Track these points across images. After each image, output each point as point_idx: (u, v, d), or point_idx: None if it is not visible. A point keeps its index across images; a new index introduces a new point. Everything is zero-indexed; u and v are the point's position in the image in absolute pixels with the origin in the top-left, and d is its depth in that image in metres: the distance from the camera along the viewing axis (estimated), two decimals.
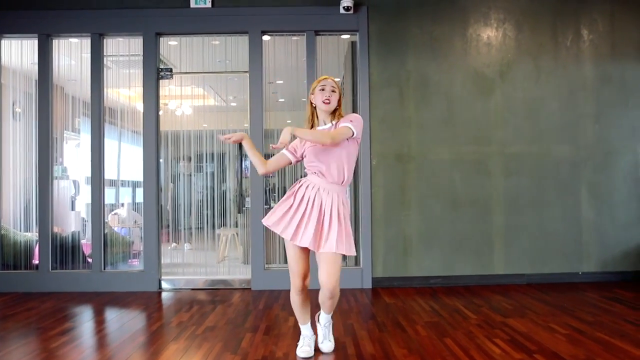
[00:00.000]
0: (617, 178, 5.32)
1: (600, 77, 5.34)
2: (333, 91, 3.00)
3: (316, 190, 2.94)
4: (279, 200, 5.56)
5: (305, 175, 3.06)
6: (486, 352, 3.04)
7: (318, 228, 2.88)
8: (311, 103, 3.07)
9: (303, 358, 3.01)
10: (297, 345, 3.14)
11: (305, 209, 2.91)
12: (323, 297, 2.98)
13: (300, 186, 2.99)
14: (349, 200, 3.09)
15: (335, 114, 3.03)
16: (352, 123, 2.91)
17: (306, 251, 2.99)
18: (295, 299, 3.05)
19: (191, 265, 5.55)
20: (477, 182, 5.25)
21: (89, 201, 6.25)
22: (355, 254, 2.96)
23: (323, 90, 3.00)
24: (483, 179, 5.25)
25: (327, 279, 2.86)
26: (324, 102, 2.97)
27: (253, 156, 3.06)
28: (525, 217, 5.25)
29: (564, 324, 3.64)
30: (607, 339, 3.28)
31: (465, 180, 5.24)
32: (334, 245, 2.82)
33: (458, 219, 5.22)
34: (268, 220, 2.98)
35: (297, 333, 3.46)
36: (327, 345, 3.11)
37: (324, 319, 3.13)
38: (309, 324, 3.15)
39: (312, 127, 3.08)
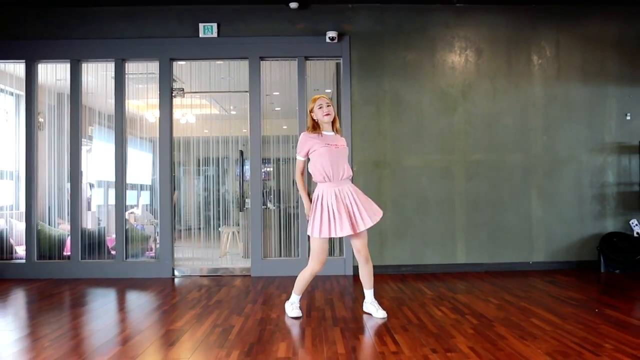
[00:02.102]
0: (562, 182, 6.25)
1: (547, 96, 6.28)
2: (328, 105, 4.00)
3: (331, 192, 3.89)
4: (274, 201, 6.53)
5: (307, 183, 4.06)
6: (430, 314, 3.99)
7: (349, 216, 3.85)
8: (312, 118, 4.03)
9: (295, 317, 3.98)
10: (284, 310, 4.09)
11: (337, 208, 3.85)
12: (361, 266, 3.98)
13: (322, 195, 3.90)
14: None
15: (334, 123, 4.04)
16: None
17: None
18: (307, 278, 3.97)
19: (199, 259, 6.47)
20: (443, 185, 6.18)
21: (101, 202, 7.19)
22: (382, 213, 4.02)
23: (321, 107, 3.98)
24: (448, 182, 6.19)
25: (364, 247, 3.95)
26: (325, 116, 3.97)
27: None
28: (484, 214, 6.19)
29: (500, 298, 4.58)
30: (527, 306, 4.22)
31: (432, 184, 6.18)
32: (369, 220, 3.85)
33: (426, 216, 6.15)
34: (323, 234, 3.83)
35: None
36: (382, 312, 3.98)
37: (369, 296, 4.05)
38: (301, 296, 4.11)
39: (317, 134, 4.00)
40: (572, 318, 3.81)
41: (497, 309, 4.16)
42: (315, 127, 4.01)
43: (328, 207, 3.86)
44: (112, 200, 6.36)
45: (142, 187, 7.56)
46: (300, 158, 4.02)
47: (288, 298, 4.68)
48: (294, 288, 4.05)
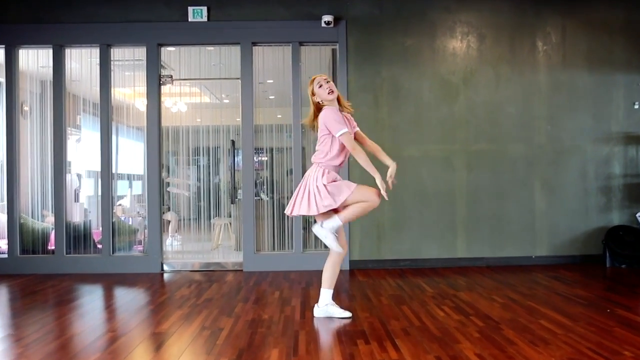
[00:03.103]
0: (567, 174, 6.02)
1: (552, 83, 6.02)
2: (328, 81, 3.71)
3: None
4: (268, 192, 6.27)
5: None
6: (432, 315, 3.76)
7: None
8: (315, 102, 3.73)
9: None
10: (275, 310, 3.84)
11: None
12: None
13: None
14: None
15: (339, 101, 3.77)
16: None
17: None
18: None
19: (190, 252, 6.23)
20: (443, 177, 5.94)
21: (91, 193, 6.92)
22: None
23: (321, 86, 3.69)
24: (448, 173, 5.94)
25: None
26: (329, 94, 3.67)
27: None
28: (485, 207, 5.95)
29: (504, 296, 4.36)
30: (534, 305, 4.00)
31: (432, 175, 5.93)
32: None
33: (425, 208, 5.92)
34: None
35: (281, 302, 4.17)
36: (347, 312, 3.79)
37: (330, 297, 3.79)
38: None
39: (314, 119, 3.75)
40: (583, 319, 3.59)
41: (503, 308, 3.93)
42: (315, 115, 3.75)
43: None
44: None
45: (134, 177, 7.30)
46: (347, 130, 3.64)
47: (281, 296, 4.47)
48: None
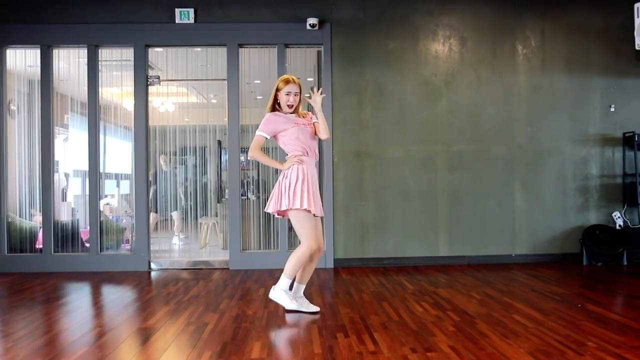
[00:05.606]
0: (546, 174, 6.17)
1: (532, 86, 6.18)
2: (296, 94, 3.89)
3: (308, 165, 3.82)
4: (257, 192, 6.37)
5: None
6: (411, 311, 3.89)
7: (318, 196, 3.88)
8: (275, 98, 3.91)
9: (293, 310, 3.87)
10: (266, 306, 3.96)
11: (312, 185, 3.79)
12: (314, 255, 3.88)
13: (300, 168, 3.77)
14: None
15: (297, 109, 3.96)
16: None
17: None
18: (302, 259, 3.78)
19: (176, 250, 6.33)
20: (425, 177, 6.08)
21: (78, 193, 6.98)
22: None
23: (288, 95, 3.86)
24: (430, 173, 6.08)
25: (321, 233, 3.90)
26: (288, 106, 3.89)
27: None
28: (467, 206, 6.10)
29: (482, 292, 4.49)
30: (510, 301, 4.14)
31: (414, 175, 6.07)
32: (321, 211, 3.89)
33: (408, 208, 6.05)
34: (311, 208, 3.72)
35: (265, 299, 4.28)
36: (314, 307, 3.93)
37: (301, 291, 3.96)
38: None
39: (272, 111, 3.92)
40: (555, 314, 3.73)
41: (479, 304, 4.07)
42: (275, 108, 3.93)
43: (308, 181, 3.77)
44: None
45: (122, 177, 7.36)
46: (262, 134, 3.88)
47: (266, 292, 4.56)
48: (285, 270, 3.83)
